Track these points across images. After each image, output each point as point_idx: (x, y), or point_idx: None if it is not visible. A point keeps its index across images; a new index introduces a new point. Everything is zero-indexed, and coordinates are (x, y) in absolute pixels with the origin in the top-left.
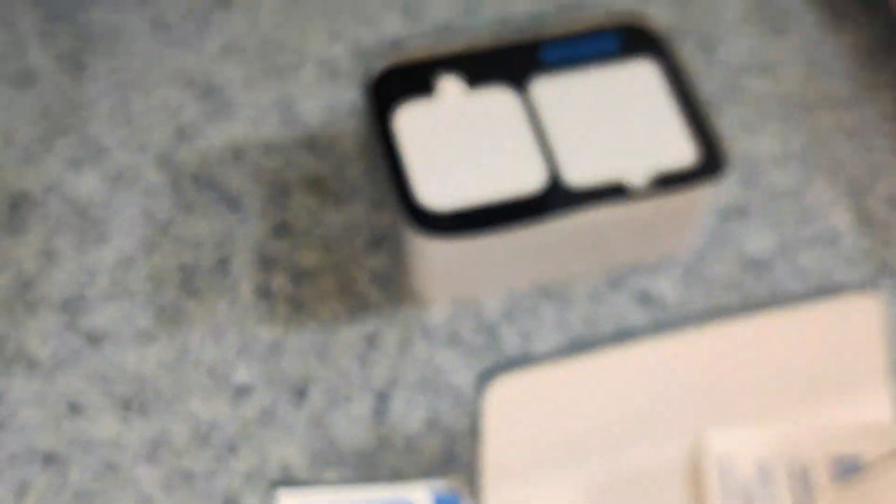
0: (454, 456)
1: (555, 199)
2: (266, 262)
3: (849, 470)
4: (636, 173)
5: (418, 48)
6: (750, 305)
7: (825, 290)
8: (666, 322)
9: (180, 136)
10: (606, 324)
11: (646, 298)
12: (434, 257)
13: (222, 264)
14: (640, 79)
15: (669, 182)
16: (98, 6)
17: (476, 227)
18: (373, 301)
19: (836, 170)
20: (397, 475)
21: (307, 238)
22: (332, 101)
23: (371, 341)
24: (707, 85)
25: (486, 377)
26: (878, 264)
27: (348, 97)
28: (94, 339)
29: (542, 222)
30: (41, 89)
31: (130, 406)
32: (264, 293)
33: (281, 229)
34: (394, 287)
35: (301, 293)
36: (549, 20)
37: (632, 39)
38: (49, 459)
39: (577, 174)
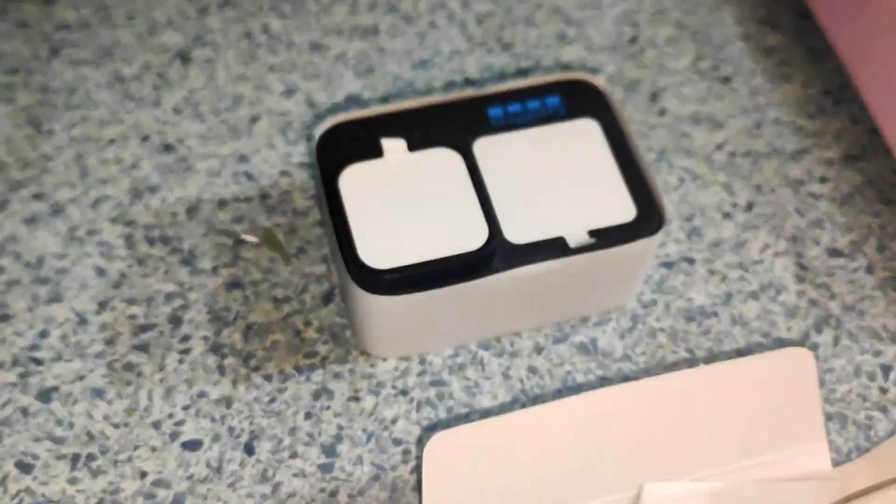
0: None
1: (496, 255)
2: (217, 318)
3: None
4: (576, 229)
5: (368, 107)
6: (693, 357)
7: (767, 340)
8: (610, 374)
9: (135, 192)
10: (551, 376)
11: (590, 350)
12: (379, 313)
13: (174, 320)
14: (582, 136)
15: (608, 237)
16: (58, 61)
17: (418, 283)
18: (322, 355)
19: (780, 221)
20: None
21: (258, 293)
22: (286, 156)
23: (319, 396)
24: (656, 136)
25: (429, 431)
26: (818, 315)
27: (301, 151)
28: (44, 397)
29: (483, 278)
30: None
31: (78, 464)
32: (214, 348)
33: (233, 285)
34: (342, 341)
35: (251, 348)
36: (498, 77)
37: (575, 98)
38: None
39: (518, 231)
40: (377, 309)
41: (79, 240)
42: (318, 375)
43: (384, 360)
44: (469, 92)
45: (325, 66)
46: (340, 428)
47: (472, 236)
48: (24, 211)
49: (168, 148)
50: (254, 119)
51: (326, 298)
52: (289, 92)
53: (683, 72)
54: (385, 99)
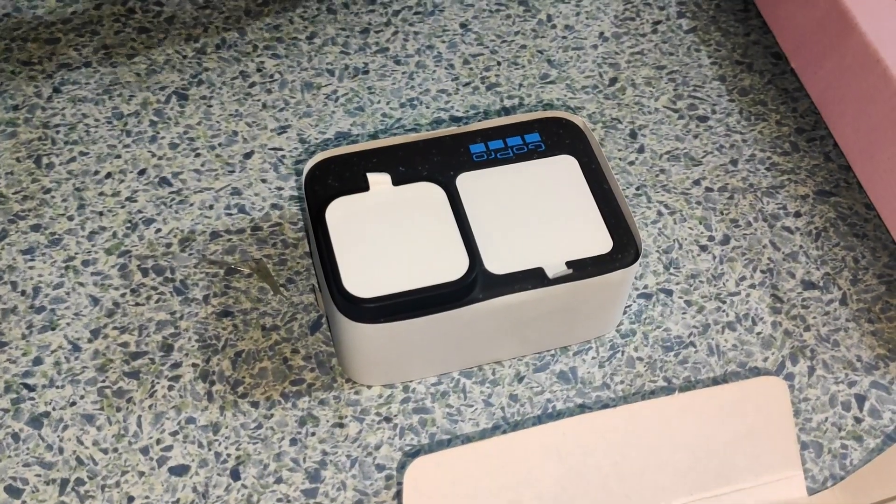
0: None
1: (476, 285)
2: (207, 346)
3: None
4: (554, 260)
5: (355, 144)
6: (670, 386)
7: (743, 370)
8: (589, 402)
9: (131, 224)
10: (532, 404)
11: (570, 379)
12: (363, 340)
13: (165, 348)
14: (561, 172)
15: (585, 268)
16: (59, 98)
17: (401, 312)
18: (308, 382)
19: (755, 254)
20: None
21: (248, 322)
22: (277, 190)
23: (304, 422)
24: (635, 172)
25: (412, 457)
26: (794, 346)
27: (291, 185)
28: (35, 423)
29: (464, 307)
30: None
31: (67, 489)
32: (203, 375)
33: (223, 313)
34: (328, 369)
35: (239, 375)
36: (482, 115)
37: (555, 135)
38: None
39: (499, 262)
40: (361, 336)
41: (74, 269)
42: (304, 402)
43: (369, 387)
44: (452, 129)
45: (316, 104)
46: (325, 454)
47: (454, 267)
48: (22, 242)
49: (164, 182)
50: (247, 154)
51: (314, 327)
52: (281, 129)
53: (662, 110)
54: (374, 136)
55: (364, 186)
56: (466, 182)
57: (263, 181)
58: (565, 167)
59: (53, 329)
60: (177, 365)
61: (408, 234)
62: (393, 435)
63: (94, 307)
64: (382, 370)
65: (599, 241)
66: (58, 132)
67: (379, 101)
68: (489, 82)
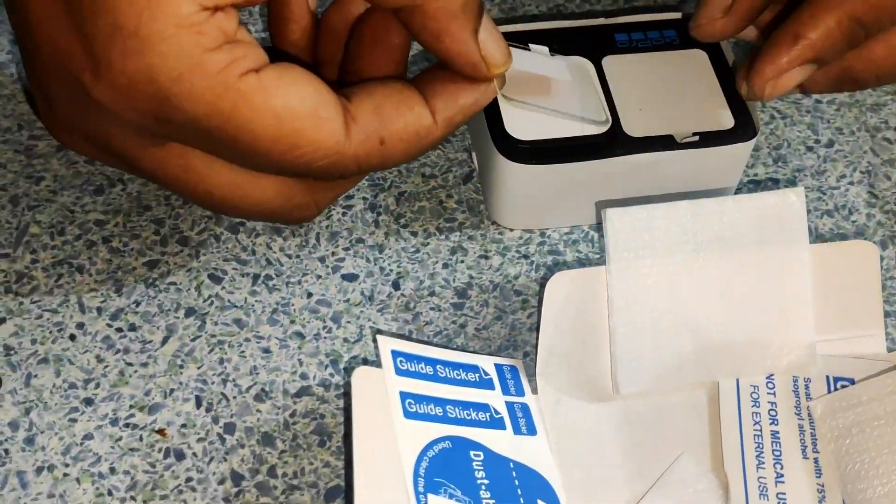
0: (516, 344)
1: (615, 143)
2: (375, 185)
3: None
4: (682, 130)
5: (516, 24)
6: None
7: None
8: None
9: None
10: None
11: None
12: (514, 181)
13: None
14: (692, 62)
15: (709, 138)
16: None
17: (551, 156)
18: (459, 221)
19: (856, 158)
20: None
21: (410, 169)
22: None
23: (455, 252)
24: None
25: (543, 288)
26: (884, 234)
27: None
28: (233, 228)
29: (603, 158)
30: None
31: (258, 281)
32: (371, 207)
33: None
34: (477, 213)
35: (402, 210)
36: (626, 12)
37: (688, 33)
38: (190, 313)
39: (635, 127)
40: (513, 176)
41: None
42: (455, 236)
43: (511, 230)
44: (601, 20)
45: None
46: (471, 277)
47: (598, 126)
48: None
49: None
50: None
51: (466, 179)
52: None
53: None
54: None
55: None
56: (611, 63)
57: None
58: (696, 59)
59: None
60: (349, 197)
61: (560, 92)
62: (529, 269)
63: None
64: (525, 213)
65: (723, 119)
66: None
67: (530, 2)
68: None
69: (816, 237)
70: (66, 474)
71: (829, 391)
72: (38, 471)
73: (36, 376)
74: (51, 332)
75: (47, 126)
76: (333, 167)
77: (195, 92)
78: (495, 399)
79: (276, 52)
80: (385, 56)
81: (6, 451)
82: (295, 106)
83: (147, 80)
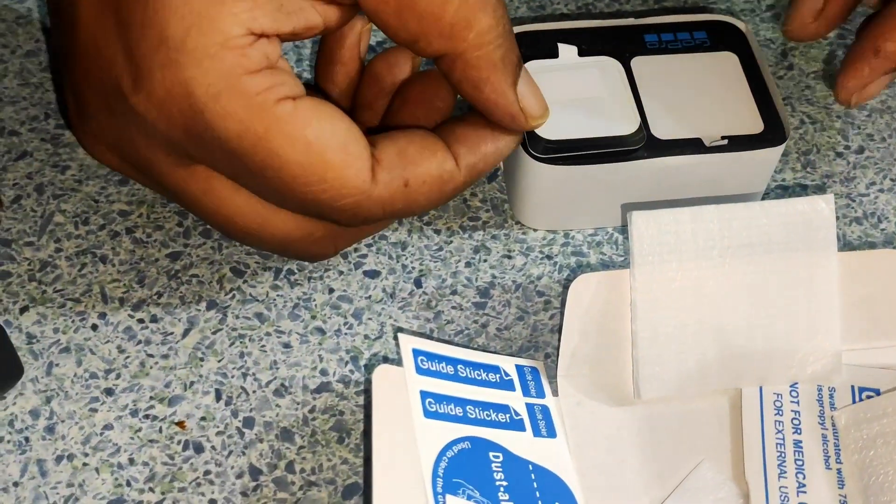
0: (537, 345)
1: (643, 145)
2: None
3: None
4: (711, 134)
5: (545, 23)
6: None
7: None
8: None
9: None
10: None
11: None
12: (539, 181)
13: None
14: (722, 65)
15: (738, 143)
16: None
17: (577, 156)
18: (483, 220)
19: (886, 166)
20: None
21: None
22: None
23: (478, 251)
24: (782, 85)
25: (566, 289)
26: None
27: None
28: None
29: (630, 160)
30: None
31: (280, 275)
32: None
33: None
34: (501, 212)
35: None
36: (657, 13)
37: (719, 35)
38: (212, 306)
39: (663, 129)
40: (539, 176)
41: None
42: (478, 235)
43: (535, 230)
44: (631, 20)
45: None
46: (494, 277)
47: (625, 127)
48: None
49: None
50: None
51: (491, 177)
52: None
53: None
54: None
55: (553, 54)
56: (640, 64)
57: None
58: (726, 62)
59: None
60: None
61: (589, 94)
62: (553, 270)
63: None
64: (549, 214)
65: (752, 123)
66: None
67: (559, 1)
68: None
69: (844, 245)
70: (85, 464)
71: (854, 401)
72: (58, 460)
73: (57, 365)
74: (73, 322)
75: (75, 132)
76: (357, 208)
77: (230, 109)
78: (516, 400)
79: (315, 89)
80: (426, 117)
81: (27, 439)
82: (327, 138)
83: (185, 92)
